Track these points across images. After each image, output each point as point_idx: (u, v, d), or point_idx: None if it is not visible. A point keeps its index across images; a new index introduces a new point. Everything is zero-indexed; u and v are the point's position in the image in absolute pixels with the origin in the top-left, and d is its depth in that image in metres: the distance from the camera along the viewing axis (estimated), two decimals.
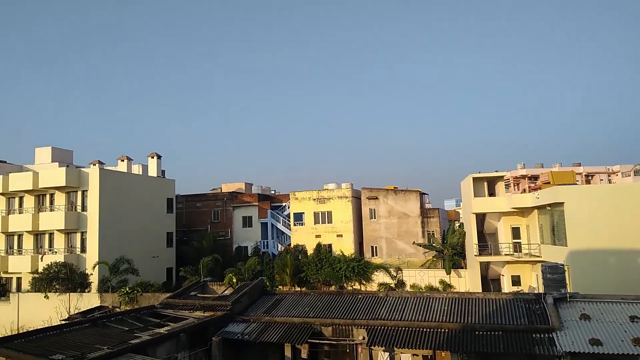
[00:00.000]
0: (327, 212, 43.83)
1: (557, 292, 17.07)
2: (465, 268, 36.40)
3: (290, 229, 45.42)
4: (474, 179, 32.06)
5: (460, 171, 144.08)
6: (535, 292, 24.49)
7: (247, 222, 47.96)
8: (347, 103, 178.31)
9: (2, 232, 38.57)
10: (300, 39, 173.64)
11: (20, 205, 38.90)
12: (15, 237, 38.87)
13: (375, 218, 43.42)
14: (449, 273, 35.48)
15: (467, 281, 35.19)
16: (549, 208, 26.58)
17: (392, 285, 32.29)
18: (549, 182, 28.09)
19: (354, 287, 31.06)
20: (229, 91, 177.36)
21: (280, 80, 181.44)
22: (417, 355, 17.96)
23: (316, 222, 43.97)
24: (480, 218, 33.14)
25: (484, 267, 32.44)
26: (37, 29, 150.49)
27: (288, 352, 18.14)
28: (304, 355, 17.97)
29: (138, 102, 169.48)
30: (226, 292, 25.56)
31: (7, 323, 31.54)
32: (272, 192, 57.11)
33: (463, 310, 17.72)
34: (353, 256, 34.14)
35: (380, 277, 33.06)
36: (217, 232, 47.39)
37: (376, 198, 43.53)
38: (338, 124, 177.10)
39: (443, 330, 16.27)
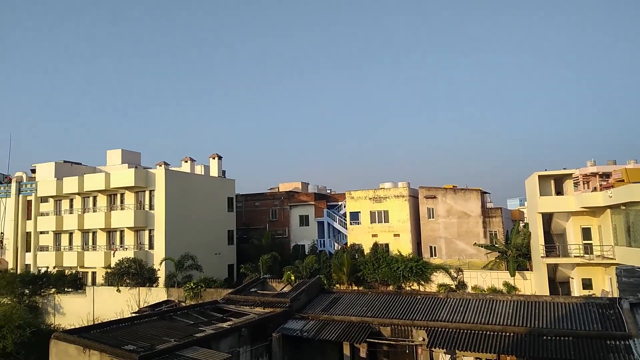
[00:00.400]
0: (384, 211, 43.44)
1: (634, 296, 15.92)
2: (531, 270, 34.76)
3: (346, 228, 45.45)
4: (540, 177, 30.54)
5: (524, 169, 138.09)
6: (609, 296, 22.94)
7: (304, 220, 48.51)
8: (404, 101, 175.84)
9: (78, 230, 41.42)
10: (354, 33, 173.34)
11: (94, 204, 41.58)
12: (90, 234, 41.59)
13: (433, 217, 42.49)
14: (513, 275, 34.04)
15: (533, 284, 33.60)
16: (624, 207, 24.81)
17: (453, 286, 31.47)
18: (622, 180, 26.30)
19: (412, 287, 30.56)
20: (283, 92, 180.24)
21: (334, 79, 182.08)
22: (480, 359, 17.38)
23: (372, 221, 43.70)
24: (547, 218, 31.51)
25: (552, 269, 30.82)
26: (103, 38, 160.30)
27: (347, 350, 18.16)
28: (362, 354, 17.91)
29: (200, 105, 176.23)
30: (285, 289, 26.03)
31: (83, 314, 33.84)
32: (328, 191, 57.36)
33: (529, 313, 16.96)
34: (411, 256, 33.59)
35: (439, 278, 32.30)
36: (275, 230, 48.31)
37: (434, 197, 42.59)
38: (393, 122, 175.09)
39: (508, 334, 15.67)
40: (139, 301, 32.31)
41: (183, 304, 27.86)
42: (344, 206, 46.62)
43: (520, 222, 44.12)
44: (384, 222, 43.30)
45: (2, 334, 27.52)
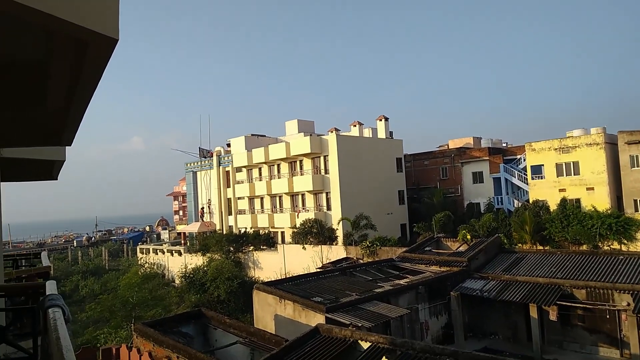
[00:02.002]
0: (573, 162, 38.46)
1: None
2: None
3: (527, 183, 41.72)
4: None
5: None
6: None
7: (478, 177, 46.11)
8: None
9: (267, 194, 46.56)
10: None
11: (278, 171, 46.06)
12: (277, 198, 46.40)
13: (638, 166, 36.15)
14: None
15: None
16: None
17: None
18: None
19: (611, 247, 26.90)
20: (447, 47, 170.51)
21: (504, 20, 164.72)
22: None
23: (559, 174, 39.14)
24: None
25: None
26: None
27: (534, 312, 17.02)
28: (552, 317, 16.60)
29: (365, 72, 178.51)
30: (460, 248, 25.42)
31: (277, 268, 38.32)
32: (504, 144, 53.14)
33: None
34: (609, 212, 29.47)
35: None
36: (446, 188, 47.05)
37: (638, 142, 36.05)
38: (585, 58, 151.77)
39: None
40: (322, 257, 35.16)
41: (360, 261, 29.38)
42: (524, 159, 42.72)
43: None
44: (574, 174, 38.44)
45: (216, 285, 33.13)
